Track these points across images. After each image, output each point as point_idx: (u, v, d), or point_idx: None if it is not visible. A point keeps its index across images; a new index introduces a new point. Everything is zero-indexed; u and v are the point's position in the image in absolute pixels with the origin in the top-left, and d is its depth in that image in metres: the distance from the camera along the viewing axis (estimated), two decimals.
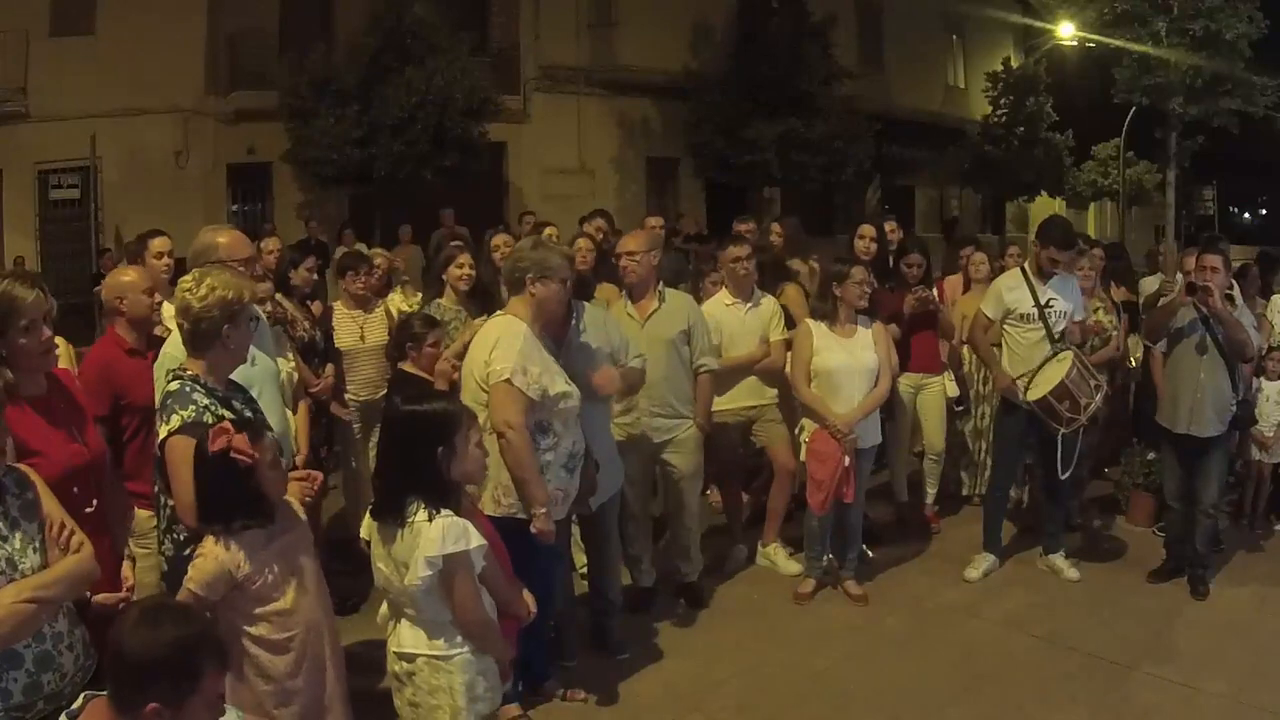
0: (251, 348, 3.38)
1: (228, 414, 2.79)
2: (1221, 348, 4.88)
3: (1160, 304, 5.53)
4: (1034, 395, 4.89)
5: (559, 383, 3.59)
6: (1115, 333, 5.92)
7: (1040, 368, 4.93)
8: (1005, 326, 5.17)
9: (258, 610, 2.63)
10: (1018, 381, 5.00)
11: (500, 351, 3.51)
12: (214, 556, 2.58)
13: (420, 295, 5.82)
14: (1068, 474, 5.02)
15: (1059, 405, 4.81)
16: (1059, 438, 4.90)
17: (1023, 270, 5.22)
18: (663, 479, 4.90)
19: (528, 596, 3.07)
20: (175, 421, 2.71)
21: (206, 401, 2.78)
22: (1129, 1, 15.67)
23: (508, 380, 3.45)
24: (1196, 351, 4.92)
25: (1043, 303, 5.04)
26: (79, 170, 14.65)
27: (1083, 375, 4.87)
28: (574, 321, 4.08)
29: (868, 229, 6.08)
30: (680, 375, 4.71)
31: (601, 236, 6.35)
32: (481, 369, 3.55)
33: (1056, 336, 5.01)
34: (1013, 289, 5.15)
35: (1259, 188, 36.74)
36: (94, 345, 3.94)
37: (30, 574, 2.21)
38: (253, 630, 2.64)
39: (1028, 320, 5.08)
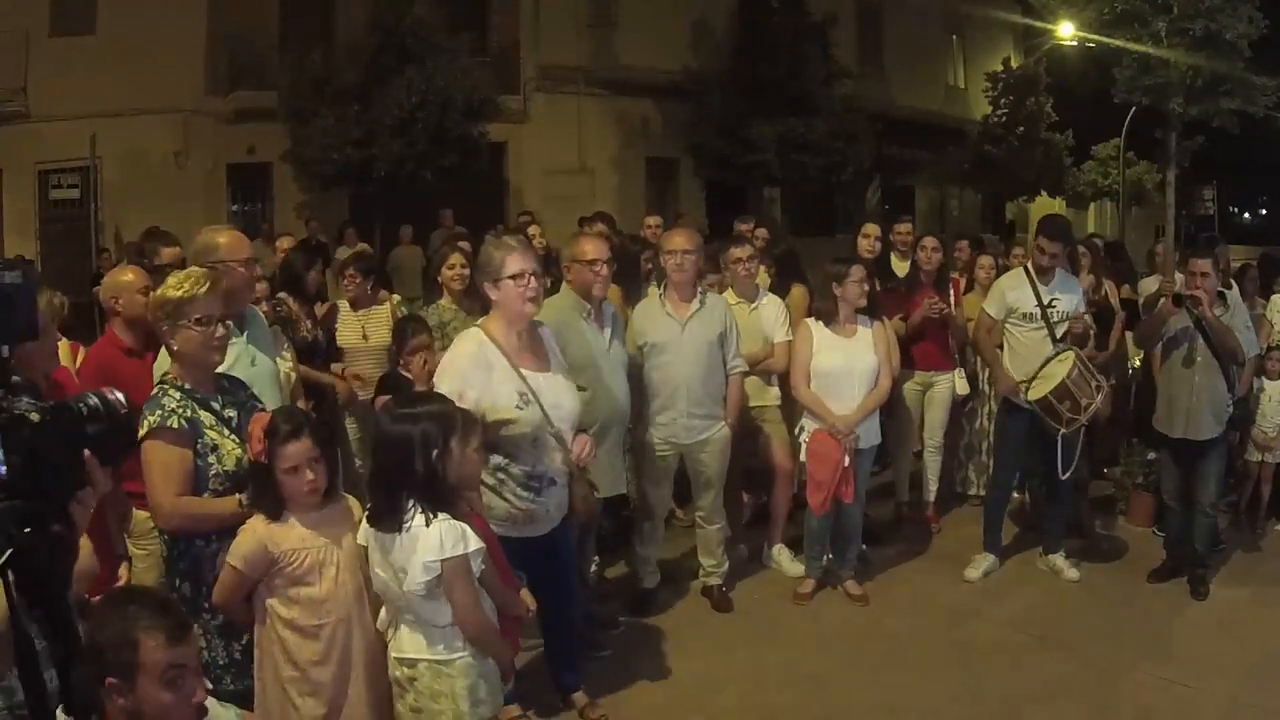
0: (251, 347, 3.40)
1: (205, 414, 2.85)
2: (1215, 350, 4.88)
3: (1154, 312, 5.50)
4: (1035, 395, 4.89)
5: (504, 408, 3.36)
6: (1091, 331, 5.92)
7: (1042, 367, 4.93)
8: (1007, 326, 5.17)
9: (291, 592, 2.72)
10: (1019, 383, 5.00)
11: (443, 375, 3.43)
12: (253, 530, 2.72)
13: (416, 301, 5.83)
14: (1068, 474, 5.02)
15: (1059, 405, 4.81)
16: (1059, 437, 4.90)
17: (1026, 270, 5.22)
18: (693, 479, 4.88)
19: (526, 595, 3.06)
20: (145, 426, 2.76)
21: (175, 405, 2.81)
22: (1129, 1, 15.65)
23: None
24: (1189, 356, 4.92)
25: (1045, 302, 5.04)
26: (79, 170, 14.66)
27: (1084, 375, 4.86)
28: (610, 330, 4.15)
29: (871, 228, 6.05)
30: (717, 377, 4.71)
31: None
32: None
33: (1059, 336, 5.01)
34: (1015, 288, 5.15)
35: (1259, 188, 36.77)
36: (93, 345, 3.95)
37: None
38: (285, 612, 2.72)
39: (1030, 320, 5.08)
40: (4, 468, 1.19)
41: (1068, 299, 5.09)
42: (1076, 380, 4.82)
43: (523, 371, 3.43)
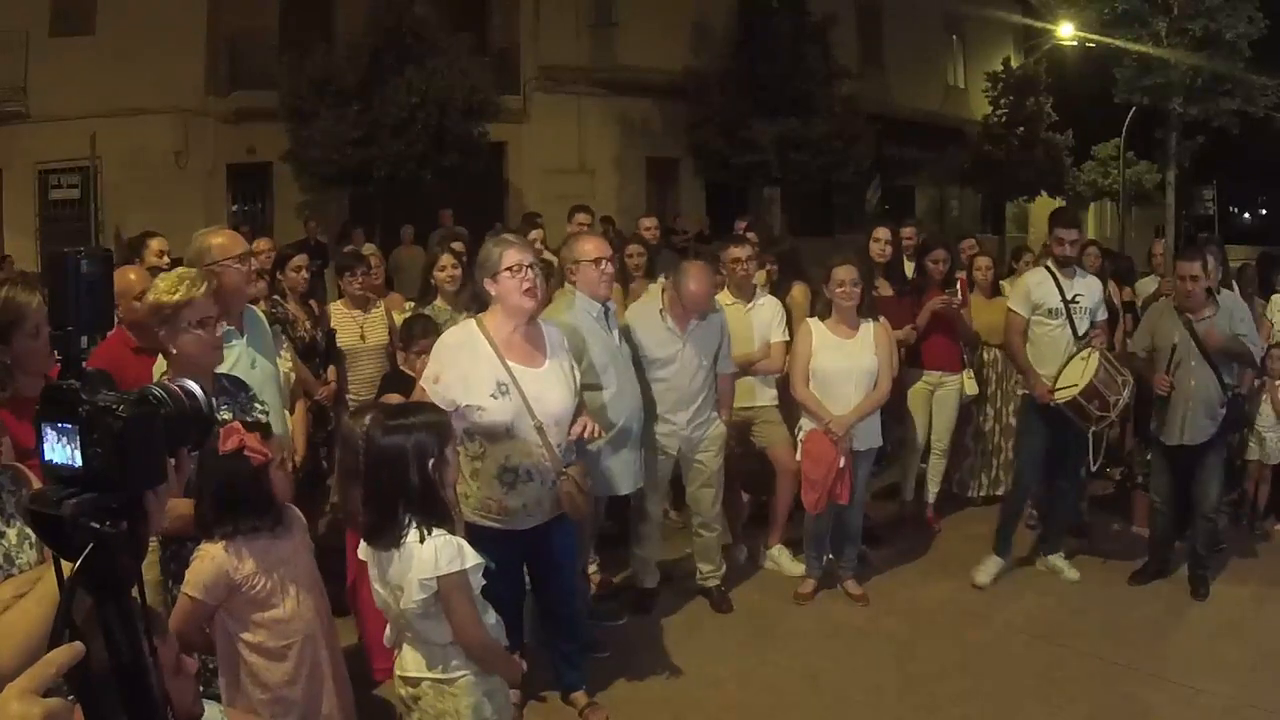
0: (251, 350, 3.40)
1: None
2: (1207, 355, 4.86)
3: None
4: (1064, 397, 4.88)
5: (476, 394, 3.36)
6: None
7: (1065, 366, 4.94)
8: (1031, 323, 5.16)
9: (255, 616, 2.60)
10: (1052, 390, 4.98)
11: (431, 357, 3.56)
12: (211, 557, 2.56)
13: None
14: (1097, 465, 5.10)
15: (1088, 405, 4.82)
16: (1089, 435, 4.91)
17: (1047, 267, 5.23)
18: (691, 481, 4.86)
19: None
20: None
21: None
22: (1129, 1, 15.63)
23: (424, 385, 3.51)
24: (1184, 363, 4.91)
25: (1069, 298, 5.05)
26: (79, 170, 14.65)
27: (1110, 374, 4.88)
28: (616, 330, 4.18)
29: (882, 231, 5.95)
30: (713, 383, 4.74)
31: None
32: None
33: (1081, 334, 5.02)
34: (1040, 284, 5.16)
35: (1259, 188, 36.69)
36: (101, 342, 3.94)
37: (27, 569, 2.20)
38: (250, 637, 2.61)
39: (1054, 316, 5.08)
40: (80, 459, 1.17)
41: (1090, 294, 5.12)
42: (1104, 379, 4.83)
43: (509, 363, 3.41)
